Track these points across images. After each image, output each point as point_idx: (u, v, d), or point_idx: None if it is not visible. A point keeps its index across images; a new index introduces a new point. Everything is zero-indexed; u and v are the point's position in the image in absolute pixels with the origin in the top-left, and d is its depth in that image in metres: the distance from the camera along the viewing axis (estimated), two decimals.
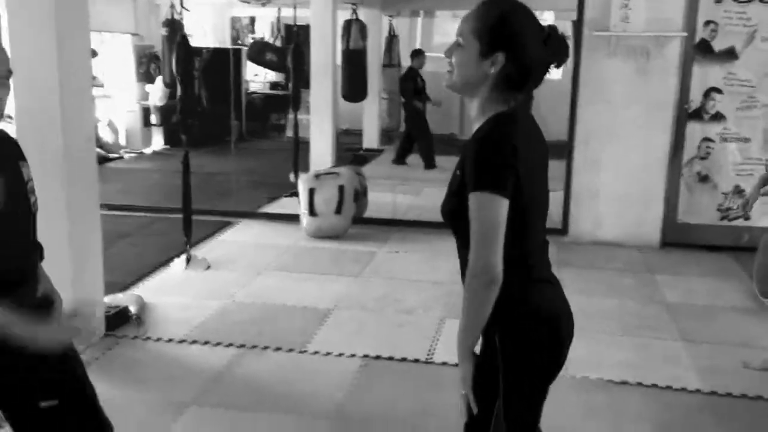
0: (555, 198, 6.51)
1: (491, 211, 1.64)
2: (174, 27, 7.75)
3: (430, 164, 9.82)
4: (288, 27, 13.69)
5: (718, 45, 5.61)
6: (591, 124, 5.87)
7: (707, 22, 5.60)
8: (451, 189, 1.77)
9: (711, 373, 3.72)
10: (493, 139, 1.68)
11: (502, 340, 1.76)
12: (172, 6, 7.44)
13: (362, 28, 9.53)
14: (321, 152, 8.51)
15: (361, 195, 6.26)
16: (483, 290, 1.66)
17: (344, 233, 6.04)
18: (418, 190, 8.11)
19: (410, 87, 9.93)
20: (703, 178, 5.82)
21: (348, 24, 9.28)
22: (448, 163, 9.72)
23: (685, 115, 5.74)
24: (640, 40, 5.63)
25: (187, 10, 5.16)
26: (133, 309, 4.28)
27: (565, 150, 6.08)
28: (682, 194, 5.86)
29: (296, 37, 8.47)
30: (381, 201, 6.81)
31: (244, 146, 11.60)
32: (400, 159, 10.18)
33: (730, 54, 5.61)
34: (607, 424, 3.30)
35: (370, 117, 11.44)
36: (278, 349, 3.93)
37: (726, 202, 5.81)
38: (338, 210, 5.97)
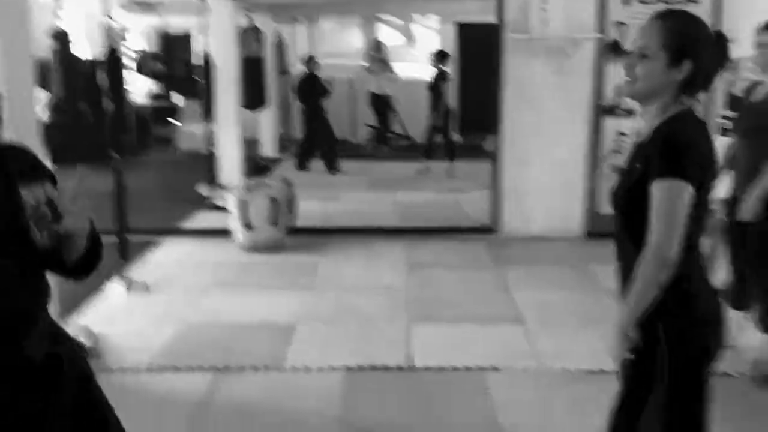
0: (483, 196, 6.71)
1: (678, 197, 1.76)
2: (64, 40, 7.36)
3: (334, 168, 9.81)
4: (165, 36, 13.24)
5: (628, 44, 5.96)
6: (516, 122, 6.08)
7: (617, 23, 5.95)
8: (628, 183, 1.88)
9: None
10: (685, 133, 1.82)
11: (669, 339, 1.85)
12: (56, 15, 7.07)
13: (259, 35, 9.39)
14: (230, 163, 8.30)
15: (292, 205, 6.15)
16: (658, 271, 1.79)
17: (282, 245, 5.92)
18: (335, 196, 8.08)
19: (313, 91, 9.88)
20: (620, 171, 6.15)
21: (245, 31, 9.10)
22: (347, 167, 9.80)
23: (601, 111, 6.06)
24: (558, 41, 5.88)
25: (114, 20, 4.86)
26: (85, 341, 4.00)
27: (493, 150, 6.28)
28: (602, 186, 6.17)
29: (205, 48, 8.20)
30: (304, 209, 6.72)
31: (136, 161, 11.08)
32: (303, 165, 10.09)
33: None
34: (597, 414, 3.43)
35: (267, 125, 11.25)
36: (255, 369, 3.80)
37: None
38: (274, 221, 5.84)
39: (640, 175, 1.83)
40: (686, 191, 1.76)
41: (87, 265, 1.70)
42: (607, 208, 6.12)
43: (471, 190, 8.09)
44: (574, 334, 4.26)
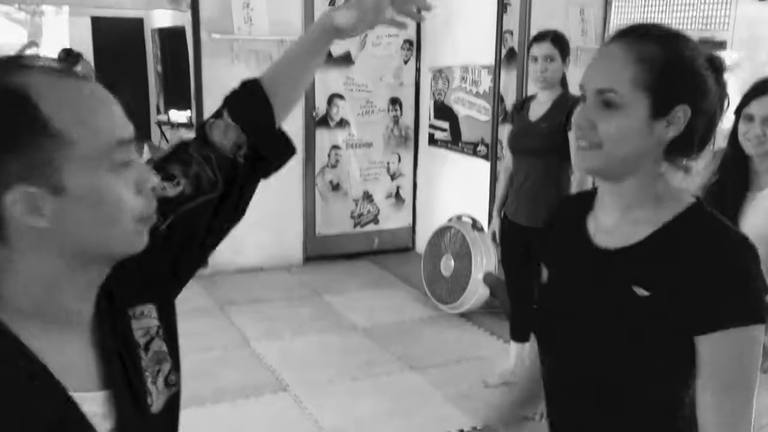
0: None
1: (755, 354, 1.11)
2: None
3: None
4: None
5: (336, 49, 5.44)
6: None
7: None
8: (625, 321, 1.16)
9: (468, 402, 3.51)
10: (742, 241, 1.14)
11: None
12: None
13: None
14: None
15: None
16: None
17: None
18: None
19: None
20: (336, 187, 5.65)
21: None
22: None
23: (314, 122, 5.47)
24: (264, 44, 5.12)
25: None
26: None
27: None
28: (318, 205, 5.60)
29: None
30: None
31: None
32: None
33: (347, 59, 5.51)
34: None
35: None
36: None
37: (357, 208, 5.75)
38: None
39: (651, 308, 1.14)
40: (761, 341, 1.13)
41: None
42: (324, 228, 5.62)
43: None
44: (350, 395, 3.58)
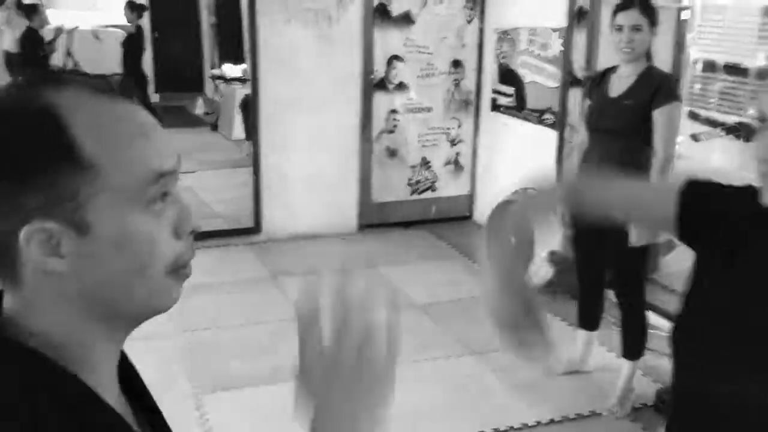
0: (240, 187, 5.38)
1: None
2: None
3: None
4: None
5: (395, 9, 5.18)
6: (275, 99, 4.98)
7: None
8: None
9: (532, 393, 3.34)
10: None
11: None
12: None
13: None
14: None
15: None
16: None
17: None
18: None
19: None
20: (392, 153, 5.44)
21: None
22: None
23: (371, 85, 5.25)
24: (321, 2, 4.89)
25: None
26: None
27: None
28: (375, 172, 5.42)
29: None
30: None
31: None
32: None
33: (407, 18, 5.24)
34: None
35: None
36: None
37: (414, 175, 5.55)
38: None
39: None
40: None
41: None
42: (381, 195, 5.44)
43: (197, 169, 6.69)
44: (408, 381, 3.43)
